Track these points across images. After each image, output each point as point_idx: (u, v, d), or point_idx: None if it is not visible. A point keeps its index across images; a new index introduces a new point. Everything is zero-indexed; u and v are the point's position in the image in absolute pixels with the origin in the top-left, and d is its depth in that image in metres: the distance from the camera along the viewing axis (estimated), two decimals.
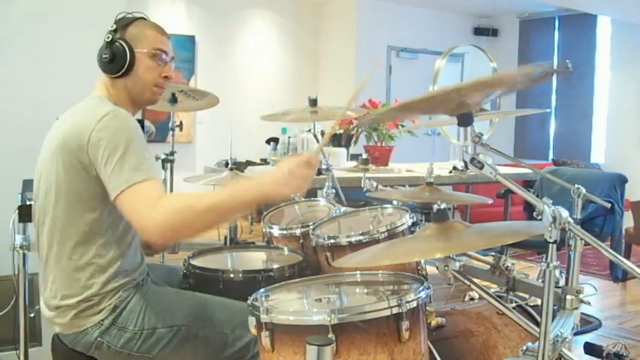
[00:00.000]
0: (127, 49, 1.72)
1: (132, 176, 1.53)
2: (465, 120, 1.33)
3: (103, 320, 1.65)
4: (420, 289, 1.39)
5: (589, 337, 3.54)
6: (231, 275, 1.89)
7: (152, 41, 1.77)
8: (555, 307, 1.39)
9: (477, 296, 1.99)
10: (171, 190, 3.51)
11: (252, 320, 1.36)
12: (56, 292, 1.67)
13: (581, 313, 1.62)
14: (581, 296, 1.49)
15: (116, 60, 1.71)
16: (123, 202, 1.54)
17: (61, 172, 1.63)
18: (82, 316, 1.65)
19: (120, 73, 1.72)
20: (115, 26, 1.75)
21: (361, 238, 1.82)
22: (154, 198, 1.51)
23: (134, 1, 2.61)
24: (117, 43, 1.72)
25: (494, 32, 8.97)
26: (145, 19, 1.80)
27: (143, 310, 1.69)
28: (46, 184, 1.68)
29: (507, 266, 1.69)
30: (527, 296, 1.80)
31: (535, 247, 4.61)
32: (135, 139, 1.59)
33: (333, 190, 2.65)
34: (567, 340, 1.35)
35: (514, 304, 1.76)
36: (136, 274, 1.75)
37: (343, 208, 2.33)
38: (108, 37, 1.73)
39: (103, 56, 1.72)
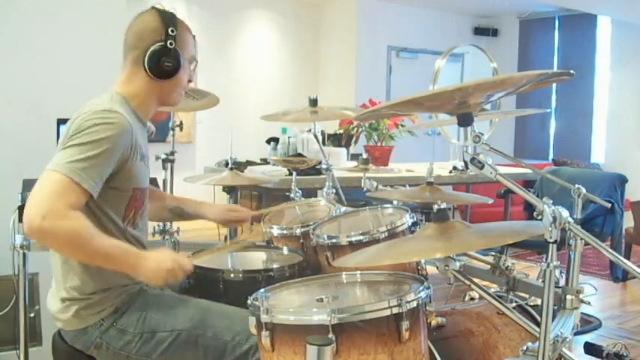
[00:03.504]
0: (179, 57, 1.71)
1: (67, 166, 1.49)
2: (465, 120, 1.33)
3: (103, 320, 1.66)
4: (420, 289, 1.39)
5: (589, 337, 3.54)
6: (232, 275, 1.88)
7: (192, 48, 1.77)
8: (555, 307, 1.39)
9: (477, 296, 1.98)
10: (171, 191, 3.50)
11: (252, 320, 1.36)
12: (62, 286, 1.68)
13: (582, 313, 1.61)
14: (581, 296, 1.49)
15: (172, 67, 1.70)
16: (42, 177, 1.49)
17: None
18: (83, 313, 1.66)
19: (166, 79, 1.71)
20: (174, 31, 1.70)
21: (361, 238, 1.82)
22: (64, 206, 1.46)
23: (134, 1, 2.61)
24: (176, 50, 1.69)
25: (494, 32, 8.98)
26: (179, 18, 1.76)
27: (144, 313, 1.69)
28: None
29: (507, 266, 1.69)
30: (527, 296, 1.80)
31: (535, 247, 4.61)
32: (104, 144, 1.54)
33: (333, 190, 2.64)
34: (567, 340, 1.35)
35: (514, 304, 1.76)
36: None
37: (343, 208, 2.33)
38: (171, 43, 1.69)
39: (166, 63, 1.69)
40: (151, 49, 1.68)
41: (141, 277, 1.61)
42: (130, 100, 1.71)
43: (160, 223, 3.37)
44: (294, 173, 2.84)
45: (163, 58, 1.69)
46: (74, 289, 1.66)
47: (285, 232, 2.20)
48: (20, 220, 2.18)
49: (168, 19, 1.71)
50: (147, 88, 1.73)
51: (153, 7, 1.74)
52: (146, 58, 1.69)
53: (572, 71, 1.26)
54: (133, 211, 1.72)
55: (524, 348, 1.35)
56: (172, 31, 1.70)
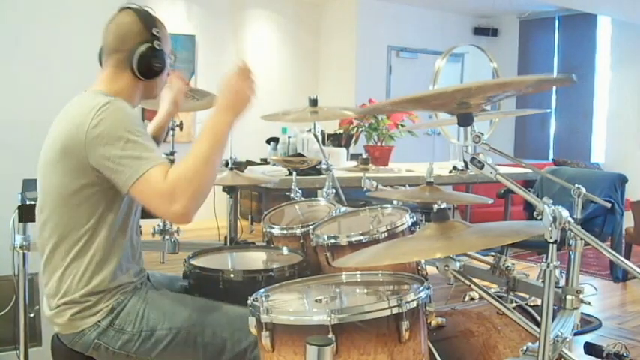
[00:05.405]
0: (165, 56, 1.74)
1: (139, 167, 1.51)
2: (465, 120, 1.33)
3: (100, 321, 1.65)
4: (420, 289, 1.39)
5: (589, 337, 3.54)
6: (231, 275, 1.89)
7: (169, 42, 1.79)
8: (555, 307, 1.39)
9: (477, 296, 1.99)
10: None
11: (252, 320, 1.36)
12: (55, 291, 1.67)
13: (581, 313, 1.61)
14: (581, 296, 1.49)
15: (160, 67, 1.73)
16: (136, 194, 1.53)
17: (60, 174, 1.62)
18: (79, 316, 1.65)
19: (154, 78, 1.75)
20: (158, 32, 1.72)
21: (361, 238, 1.82)
22: (164, 186, 1.49)
23: (134, 1, 2.61)
24: (162, 50, 1.72)
25: (494, 32, 8.98)
26: (155, 15, 1.78)
27: (142, 312, 1.68)
28: (46, 186, 1.67)
29: (507, 266, 1.69)
30: (527, 296, 1.80)
31: (535, 247, 4.61)
32: (133, 127, 1.56)
33: (333, 190, 2.65)
34: (567, 340, 1.35)
35: (514, 304, 1.76)
36: (135, 277, 1.75)
37: (343, 208, 2.33)
38: (158, 45, 1.71)
39: (156, 64, 1.71)
40: (139, 51, 1.70)
41: (240, 110, 1.67)
42: (113, 96, 1.70)
43: (160, 223, 3.37)
44: (294, 173, 2.84)
45: (153, 59, 1.71)
46: (66, 295, 1.65)
47: (285, 232, 2.20)
48: (20, 220, 2.18)
49: (148, 20, 1.73)
50: (131, 86, 1.75)
51: (127, 8, 1.75)
52: (135, 60, 1.70)
53: (573, 76, 1.25)
54: None
55: (524, 348, 1.35)
56: (157, 32, 1.72)
